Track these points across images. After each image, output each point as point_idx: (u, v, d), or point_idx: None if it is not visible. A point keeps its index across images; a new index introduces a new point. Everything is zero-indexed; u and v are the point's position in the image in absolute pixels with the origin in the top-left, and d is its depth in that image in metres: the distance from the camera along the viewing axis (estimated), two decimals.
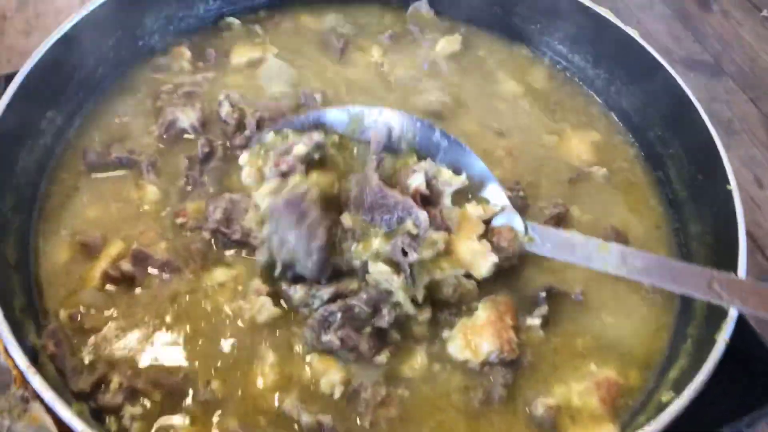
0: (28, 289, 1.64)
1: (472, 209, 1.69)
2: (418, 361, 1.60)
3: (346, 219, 1.59)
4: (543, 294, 1.70)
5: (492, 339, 1.59)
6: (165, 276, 1.65)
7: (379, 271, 1.53)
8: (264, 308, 1.60)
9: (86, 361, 1.51)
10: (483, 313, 1.63)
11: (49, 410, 1.32)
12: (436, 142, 1.73)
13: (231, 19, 2.28)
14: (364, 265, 1.58)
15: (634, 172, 2.08)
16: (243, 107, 1.94)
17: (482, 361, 1.59)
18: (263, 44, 2.21)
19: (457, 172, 1.71)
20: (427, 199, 1.63)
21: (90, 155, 1.87)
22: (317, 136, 1.64)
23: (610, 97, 2.23)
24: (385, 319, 1.55)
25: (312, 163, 1.64)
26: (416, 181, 1.63)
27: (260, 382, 1.54)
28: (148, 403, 1.48)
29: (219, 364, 1.55)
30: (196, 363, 1.54)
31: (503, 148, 2.02)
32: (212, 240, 1.73)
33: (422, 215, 1.55)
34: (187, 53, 2.15)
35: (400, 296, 1.55)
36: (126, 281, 1.63)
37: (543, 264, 1.75)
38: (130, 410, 1.46)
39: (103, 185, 1.84)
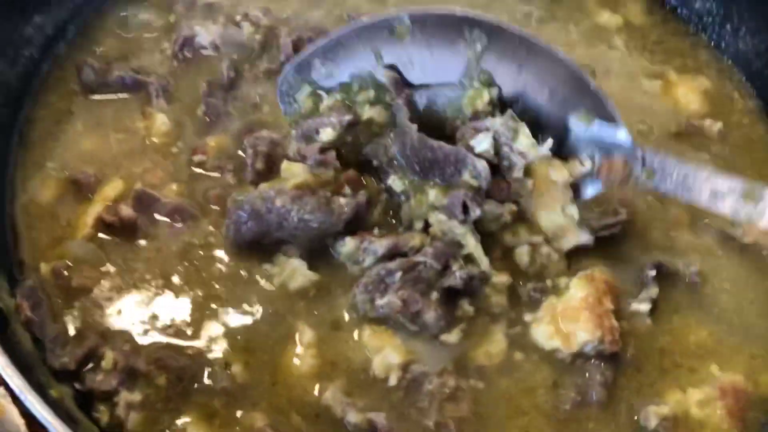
0: (1, 232, 1.47)
1: (556, 172, 1.46)
2: (496, 345, 1.41)
3: (395, 182, 1.48)
4: (651, 273, 1.49)
5: (589, 326, 1.39)
6: (176, 225, 1.48)
7: (440, 220, 1.42)
8: (298, 273, 1.42)
9: (72, 330, 1.34)
10: (577, 292, 1.43)
11: (17, 399, 1.15)
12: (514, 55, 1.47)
13: None
14: (425, 223, 1.46)
15: (755, 128, 1.83)
16: (273, 25, 1.77)
17: (575, 351, 1.39)
18: None
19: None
20: (495, 168, 1.46)
21: (86, 72, 1.69)
22: (347, 116, 1.49)
23: (723, 37, 1.96)
24: (456, 275, 1.38)
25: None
26: (482, 146, 1.44)
27: (294, 367, 1.35)
28: (149, 390, 1.28)
29: (241, 342, 1.37)
30: (213, 340, 1.37)
31: None
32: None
33: (480, 164, 1.41)
34: None
35: (471, 245, 1.41)
36: (126, 230, 1.47)
37: (649, 237, 1.57)
38: (126, 396, 1.26)
39: (101, 110, 1.67)
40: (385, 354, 1.35)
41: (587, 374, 1.37)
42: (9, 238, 1.46)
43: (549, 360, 1.40)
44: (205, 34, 1.74)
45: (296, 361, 1.35)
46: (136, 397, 1.26)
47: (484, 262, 1.41)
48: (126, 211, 1.45)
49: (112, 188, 1.50)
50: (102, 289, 1.39)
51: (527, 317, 1.43)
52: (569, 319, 1.40)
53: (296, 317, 1.39)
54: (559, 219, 1.46)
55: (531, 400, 1.36)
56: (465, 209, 1.39)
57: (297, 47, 1.68)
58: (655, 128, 1.75)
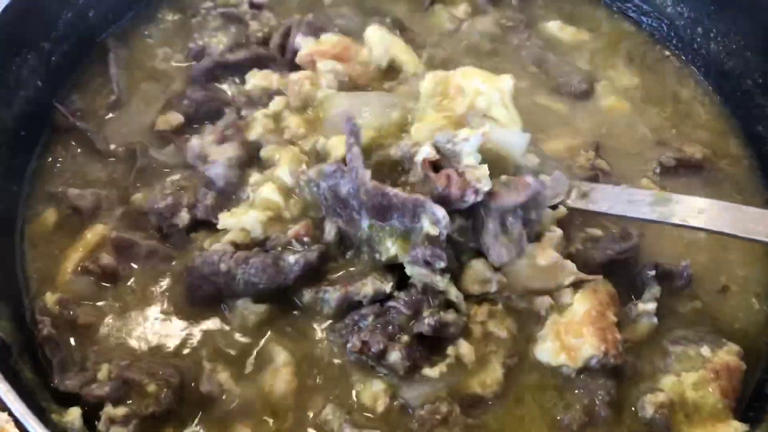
0: (6, 262, 1.46)
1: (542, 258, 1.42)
2: (492, 374, 1.36)
3: (350, 226, 1.39)
4: (651, 273, 1.47)
5: (593, 340, 1.35)
6: (154, 264, 1.47)
7: (421, 273, 1.34)
8: (248, 312, 1.39)
9: (76, 358, 1.34)
10: (580, 307, 1.39)
11: (19, 423, 1.13)
12: None
13: None
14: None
15: None
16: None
17: (581, 367, 1.36)
18: None
19: None
20: (438, 164, 1.39)
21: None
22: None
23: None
24: (425, 322, 1.32)
25: None
26: (422, 154, 1.38)
27: (278, 384, 1.33)
28: (136, 405, 1.26)
29: (227, 357, 1.36)
30: (203, 350, 1.37)
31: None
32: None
33: (439, 211, 1.30)
34: None
35: (452, 294, 1.36)
36: (107, 276, 1.45)
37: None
38: (110, 412, 1.24)
39: None
40: (370, 386, 1.32)
41: (591, 390, 1.34)
42: (15, 268, 1.45)
43: (554, 379, 1.36)
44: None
45: (278, 379, 1.32)
46: (120, 411, 1.24)
47: (463, 307, 1.36)
48: (106, 259, 1.43)
49: (93, 233, 1.48)
50: (101, 319, 1.39)
51: (532, 335, 1.39)
52: (573, 334, 1.36)
53: (269, 343, 1.37)
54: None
55: (537, 422, 1.32)
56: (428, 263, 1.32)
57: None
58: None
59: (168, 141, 1.60)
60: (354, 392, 1.32)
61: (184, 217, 1.45)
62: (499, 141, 1.42)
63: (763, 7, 1.75)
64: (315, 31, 1.74)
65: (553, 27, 1.99)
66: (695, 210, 1.41)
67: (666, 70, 1.94)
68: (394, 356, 1.30)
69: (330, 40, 1.72)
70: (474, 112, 1.50)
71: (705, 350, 1.39)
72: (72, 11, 1.72)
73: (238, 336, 1.37)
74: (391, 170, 1.43)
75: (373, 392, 1.31)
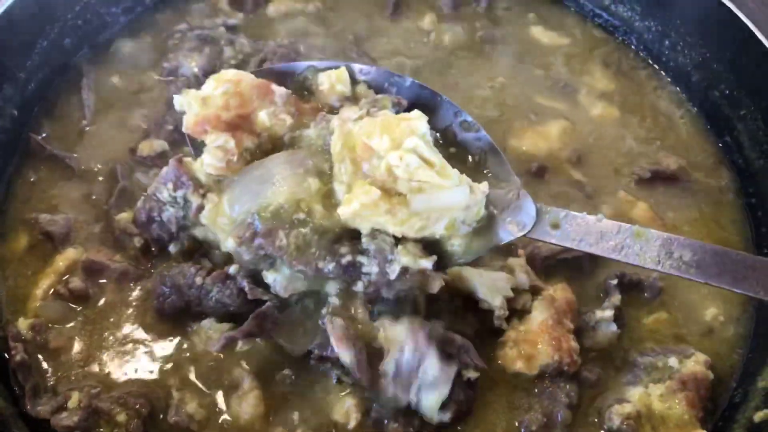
0: None
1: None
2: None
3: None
4: (613, 281, 1.50)
5: (548, 349, 1.38)
6: (124, 286, 1.47)
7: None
8: (212, 331, 1.39)
9: (48, 380, 1.34)
10: (538, 315, 1.42)
11: None
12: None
13: None
14: None
15: None
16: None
17: (537, 374, 1.39)
18: None
19: None
20: None
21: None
22: None
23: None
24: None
25: None
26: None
27: (244, 408, 1.33)
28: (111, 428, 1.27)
29: (193, 383, 1.36)
30: (171, 378, 1.36)
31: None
32: None
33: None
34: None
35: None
36: (78, 299, 1.45)
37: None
38: None
39: None
40: (341, 402, 1.33)
41: (554, 396, 1.36)
42: None
43: (518, 383, 1.39)
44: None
45: (245, 404, 1.32)
46: None
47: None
48: (76, 283, 1.43)
49: (65, 259, 1.48)
50: (72, 343, 1.39)
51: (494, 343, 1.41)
52: (530, 343, 1.38)
53: (234, 366, 1.36)
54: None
55: (498, 424, 1.35)
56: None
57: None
58: None
59: (150, 166, 1.60)
60: (325, 410, 1.32)
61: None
62: (439, 205, 1.25)
63: (725, 20, 1.77)
64: (288, 60, 1.71)
65: (534, 31, 2.01)
66: (674, 252, 1.25)
67: (641, 79, 1.95)
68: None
69: (224, 85, 1.37)
70: (399, 178, 1.24)
71: (673, 361, 1.40)
72: (47, 40, 1.73)
73: (205, 361, 1.36)
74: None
75: (344, 409, 1.31)
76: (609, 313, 1.44)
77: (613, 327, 1.42)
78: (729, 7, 1.75)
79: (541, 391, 1.37)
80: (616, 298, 1.46)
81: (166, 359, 1.37)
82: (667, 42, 1.94)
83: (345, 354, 1.23)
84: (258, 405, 1.31)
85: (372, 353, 1.26)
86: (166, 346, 1.39)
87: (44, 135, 1.68)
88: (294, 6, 1.98)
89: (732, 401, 1.42)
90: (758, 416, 1.33)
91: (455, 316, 1.40)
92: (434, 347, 1.27)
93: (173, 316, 1.39)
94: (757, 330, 1.51)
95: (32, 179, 1.61)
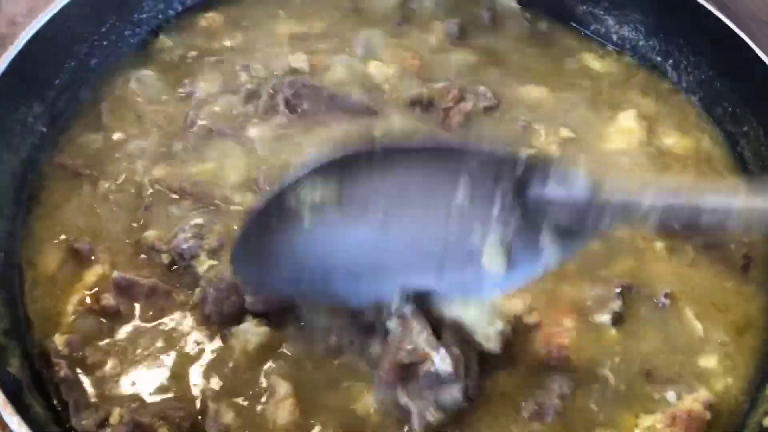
0: (14, 301, 1.48)
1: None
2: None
3: None
4: (617, 290, 1.52)
5: (541, 345, 1.45)
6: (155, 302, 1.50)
7: None
8: (249, 333, 1.43)
9: (89, 396, 1.37)
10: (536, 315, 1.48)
11: None
12: None
13: None
14: None
15: None
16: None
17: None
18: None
19: None
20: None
21: None
22: None
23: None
24: None
25: None
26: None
27: (280, 415, 1.36)
28: None
29: (227, 392, 1.39)
30: (208, 389, 1.39)
31: None
32: None
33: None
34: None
35: None
36: (109, 316, 1.48)
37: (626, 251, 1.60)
38: None
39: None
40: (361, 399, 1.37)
41: (549, 385, 1.39)
42: (21, 307, 1.48)
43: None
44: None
45: (280, 410, 1.35)
46: None
47: None
48: (108, 300, 1.47)
49: (93, 274, 1.51)
50: (107, 358, 1.42)
51: None
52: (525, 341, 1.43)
53: (267, 374, 1.40)
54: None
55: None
56: None
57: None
58: None
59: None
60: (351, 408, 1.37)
61: (203, 260, 1.51)
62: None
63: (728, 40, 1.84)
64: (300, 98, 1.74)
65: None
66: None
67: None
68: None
69: None
70: None
71: (671, 395, 1.40)
72: (75, 60, 1.80)
73: (240, 369, 1.41)
74: None
75: (364, 404, 1.37)
76: (606, 317, 1.48)
77: (613, 332, 1.46)
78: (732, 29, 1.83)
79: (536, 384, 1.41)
80: (616, 304, 1.48)
81: (201, 370, 1.41)
82: (671, 60, 2.02)
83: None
84: (294, 410, 1.35)
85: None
86: (199, 357, 1.43)
87: (69, 153, 1.72)
88: None
89: None
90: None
91: None
92: None
93: (227, 318, 1.44)
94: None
95: (57, 197, 1.65)
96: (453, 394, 1.29)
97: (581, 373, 1.42)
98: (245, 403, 1.37)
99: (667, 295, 1.54)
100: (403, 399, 1.31)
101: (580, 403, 1.39)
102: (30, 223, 1.61)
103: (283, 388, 1.37)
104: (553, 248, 1.20)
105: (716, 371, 1.47)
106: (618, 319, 1.49)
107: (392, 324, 1.33)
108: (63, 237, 1.57)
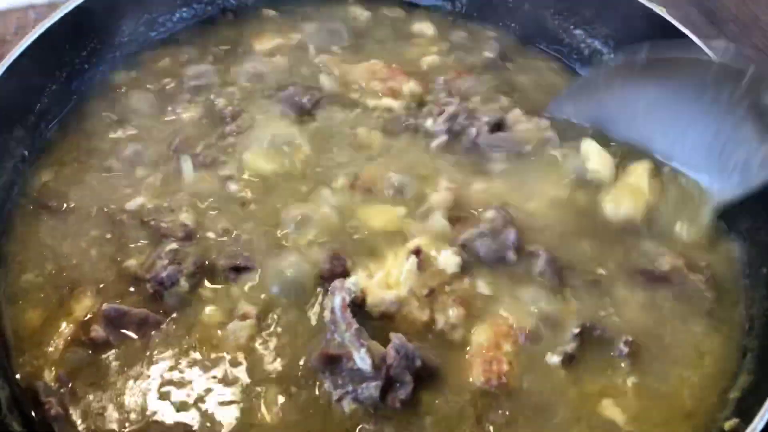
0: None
1: None
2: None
3: None
4: (576, 330, 1.49)
5: (478, 371, 1.45)
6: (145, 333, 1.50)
7: None
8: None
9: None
10: (477, 338, 1.49)
11: None
12: None
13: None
14: None
15: None
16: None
17: (472, 391, 1.44)
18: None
19: None
20: None
21: None
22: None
23: None
24: None
25: None
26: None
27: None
28: None
29: (221, 419, 1.39)
30: (206, 422, 1.39)
31: None
32: None
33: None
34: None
35: None
36: (98, 346, 1.47)
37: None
38: None
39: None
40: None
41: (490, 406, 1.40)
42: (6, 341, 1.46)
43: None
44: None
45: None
46: None
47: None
48: (97, 332, 1.46)
49: (81, 308, 1.50)
50: (99, 393, 1.41)
51: None
52: (465, 366, 1.44)
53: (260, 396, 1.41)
54: None
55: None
56: None
57: None
58: None
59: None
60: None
61: (183, 286, 1.52)
62: None
63: None
64: None
65: None
66: None
67: None
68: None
69: None
70: None
71: None
72: (56, 83, 1.79)
73: (228, 394, 1.41)
74: None
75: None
76: (556, 359, 1.45)
77: (562, 374, 1.44)
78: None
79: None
80: (570, 346, 1.46)
81: (193, 399, 1.41)
82: None
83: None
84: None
85: None
86: (188, 390, 1.43)
87: (48, 180, 1.70)
88: None
89: None
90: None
91: None
92: None
93: None
94: None
95: (39, 225, 1.64)
96: (370, 391, 1.35)
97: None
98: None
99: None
100: (326, 383, 1.39)
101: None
102: (7, 257, 1.60)
103: (273, 408, 1.39)
104: None
105: None
106: (569, 360, 1.47)
107: (326, 316, 1.43)
108: (44, 268, 1.57)
